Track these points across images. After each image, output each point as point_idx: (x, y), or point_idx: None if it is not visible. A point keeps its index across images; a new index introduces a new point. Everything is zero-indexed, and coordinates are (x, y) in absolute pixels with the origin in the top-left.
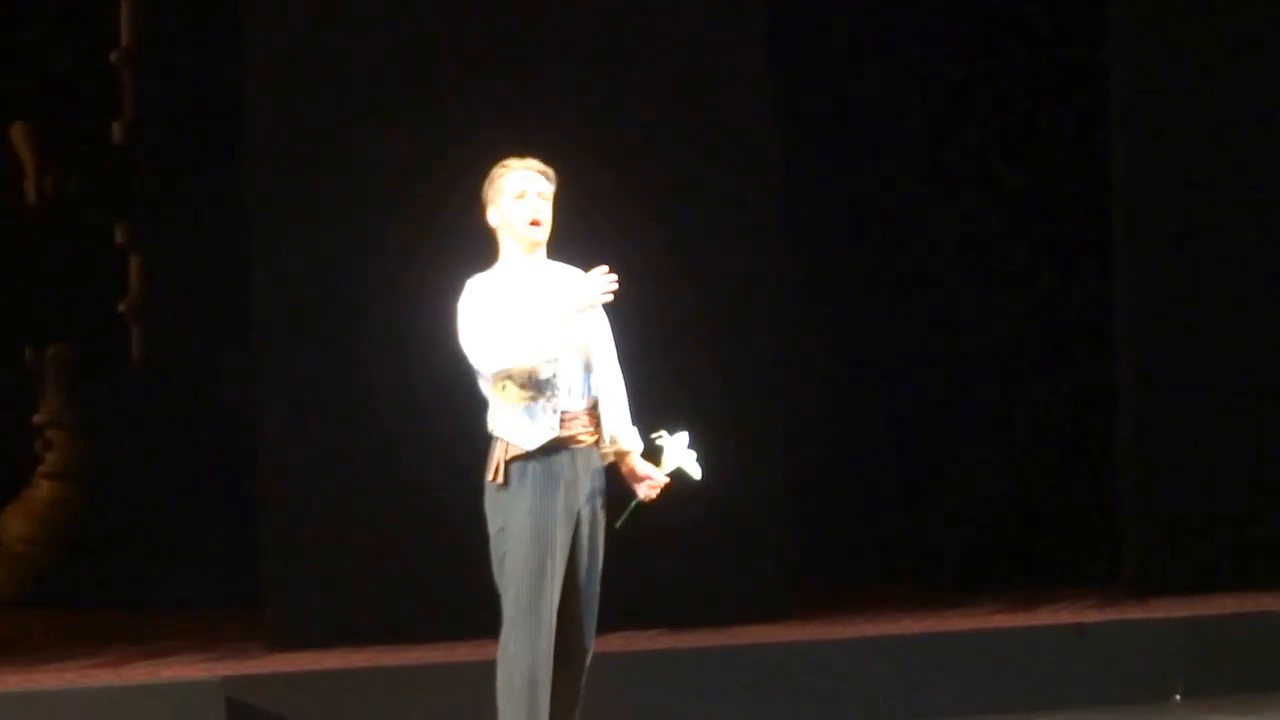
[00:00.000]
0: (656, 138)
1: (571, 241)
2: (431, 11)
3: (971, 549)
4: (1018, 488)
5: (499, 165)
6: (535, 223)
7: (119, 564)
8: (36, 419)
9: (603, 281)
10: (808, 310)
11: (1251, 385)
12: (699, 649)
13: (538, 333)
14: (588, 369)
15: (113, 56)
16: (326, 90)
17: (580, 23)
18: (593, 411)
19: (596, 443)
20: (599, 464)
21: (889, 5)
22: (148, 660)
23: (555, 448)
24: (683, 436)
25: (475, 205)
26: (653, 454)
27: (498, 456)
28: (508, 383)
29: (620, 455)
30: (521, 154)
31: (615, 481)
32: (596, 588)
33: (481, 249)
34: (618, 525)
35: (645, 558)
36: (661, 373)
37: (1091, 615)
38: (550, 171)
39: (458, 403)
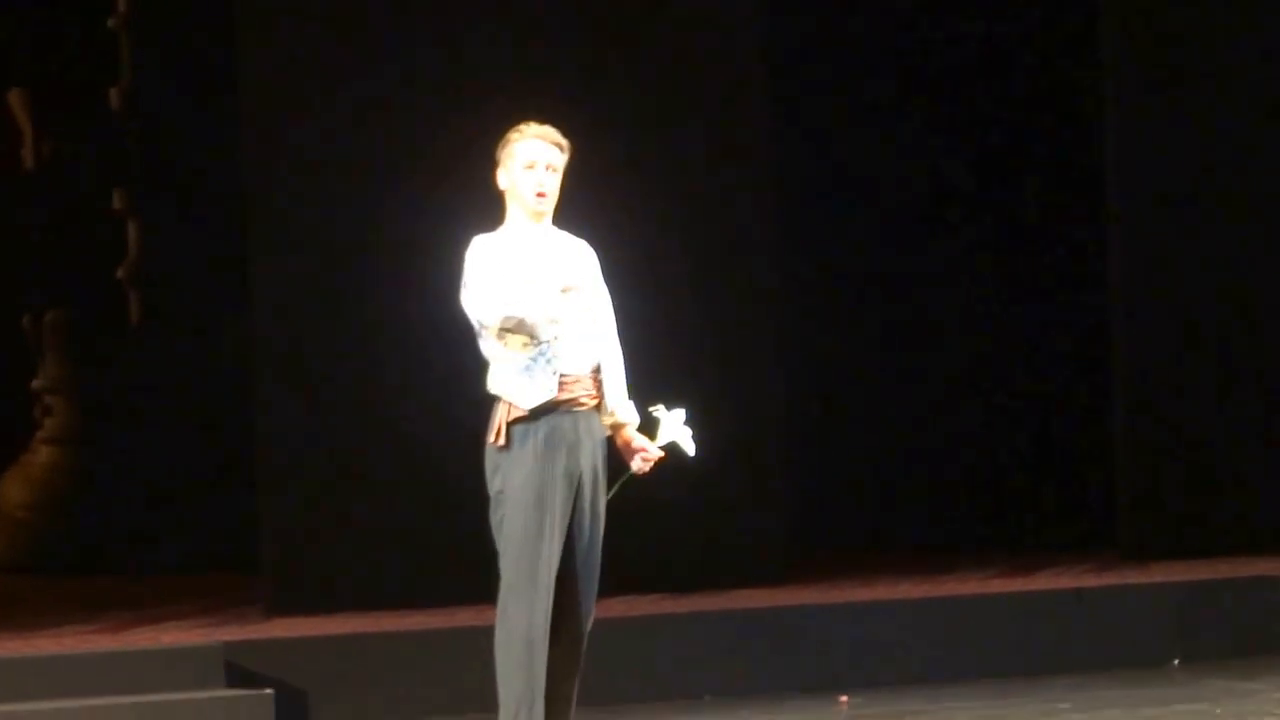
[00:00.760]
0: (653, 109)
1: (568, 213)
2: None
3: (969, 514)
4: (1015, 452)
5: (515, 129)
6: (541, 195)
7: (117, 529)
8: (35, 385)
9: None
10: (803, 278)
11: (1250, 349)
12: (698, 613)
13: (541, 290)
14: (590, 334)
15: (110, 22)
16: (324, 53)
17: None
18: (595, 376)
19: (598, 407)
20: (601, 429)
21: None
22: (147, 625)
23: (557, 410)
24: (679, 413)
25: (476, 170)
26: (648, 427)
27: (499, 418)
28: (509, 340)
29: (616, 427)
30: (538, 119)
31: (609, 453)
32: (598, 552)
33: (484, 211)
34: (608, 496)
35: (644, 523)
36: (658, 339)
37: (1089, 580)
38: (564, 142)
39: (457, 365)
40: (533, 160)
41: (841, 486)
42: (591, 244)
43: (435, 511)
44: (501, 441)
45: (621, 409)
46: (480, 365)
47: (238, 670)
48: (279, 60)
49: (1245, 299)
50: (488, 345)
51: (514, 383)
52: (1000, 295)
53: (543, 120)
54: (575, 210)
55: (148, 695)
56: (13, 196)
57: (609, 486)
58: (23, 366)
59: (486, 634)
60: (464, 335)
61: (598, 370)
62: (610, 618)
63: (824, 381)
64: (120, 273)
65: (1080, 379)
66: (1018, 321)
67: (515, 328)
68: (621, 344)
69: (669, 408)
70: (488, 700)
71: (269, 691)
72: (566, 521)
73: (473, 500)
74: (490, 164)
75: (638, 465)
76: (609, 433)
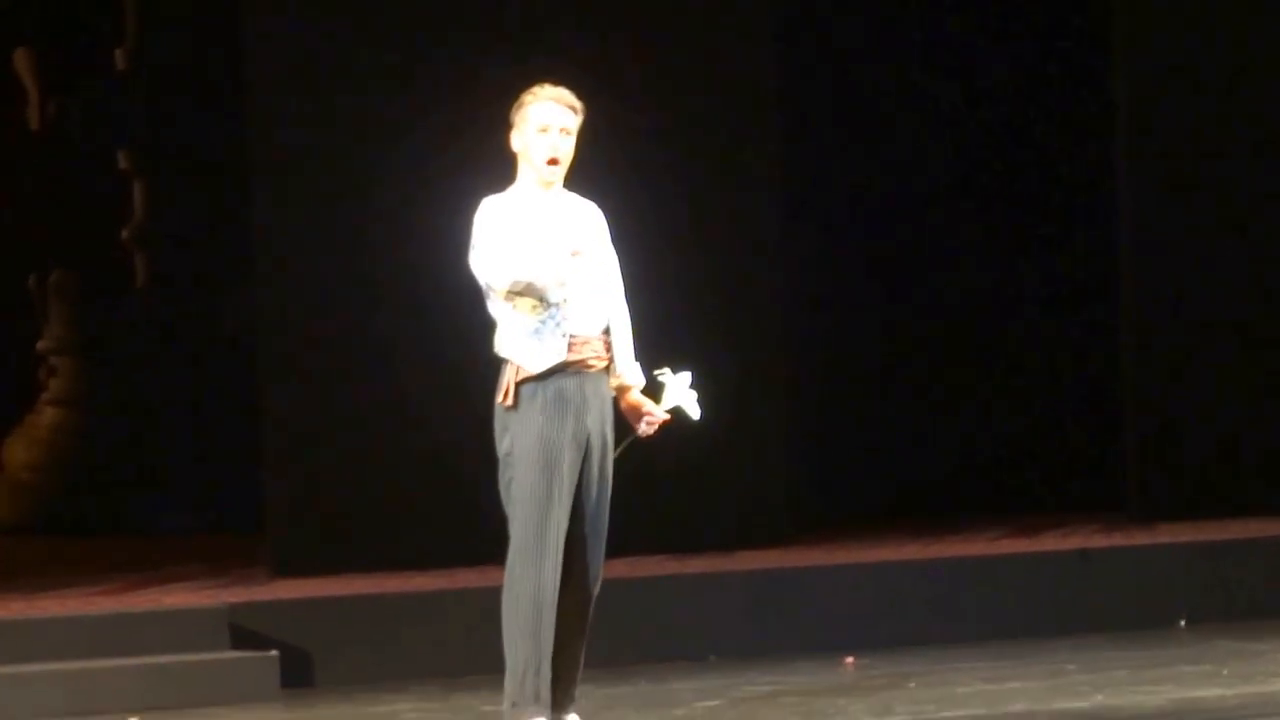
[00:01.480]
0: (663, 75)
1: (578, 177)
2: None
3: (975, 475)
4: (1022, 413)
5: (529, 91)
6: (553, 161)
7: (122, 490)
8: (40, 346)
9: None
10: (810, 242)
11: (1258, 311)
12: (703, 574)
13: (550, 253)
14: (599, 296)
15: None
16: (331, 13)
17: None
18: (604, 338)
19: (606, 369)
20: (609, 390)
21: None
22: (151, 587)
23: (566, 372)
24: (685, 376)
25: (481, 130)
26: (654, 390)
27: (508, 378)
28: (518, 301)
29: (622, 389)
30: (549, 80)
31: (614, 415)
32: (605, 514)
33: (487, 172)
34: (613, 458)
35: (650, 485)
36: (664, 302)
37: (1096, 541)
38: (578, 104)
39: (463, 326)
40: (546, 123)
41: (847, 447)
42: (599, 205)
43: (440, 473)
44: (510, 402)
45: (628, 371)
46: (488, 326)
47: (242, 632)
48: (284, 21)
49: (1258, 253)
50: (496, 307)
51: (523, 345)
52: (1006, 255)
53: (553, 81)
54: (581, 171)
55: (152, 657)
56: (18, 157)
57: (615, 448)
58: (28, 328)
59: (491, 595)
60: (471, 297)
61: (606, 332)
62: (615, 579)
63: (829, 343)
64: (125, 233)
65: (1088, 339)
66: (1025, 281)
67: (525, 290)
68: (628, 306)
69: (674, 370)
70: (493, 662)
71: (274, 653)
72: (575, 484)
73: (477, 462)
74: (504, 125)
75: (643, 428)
76: (614, 394)
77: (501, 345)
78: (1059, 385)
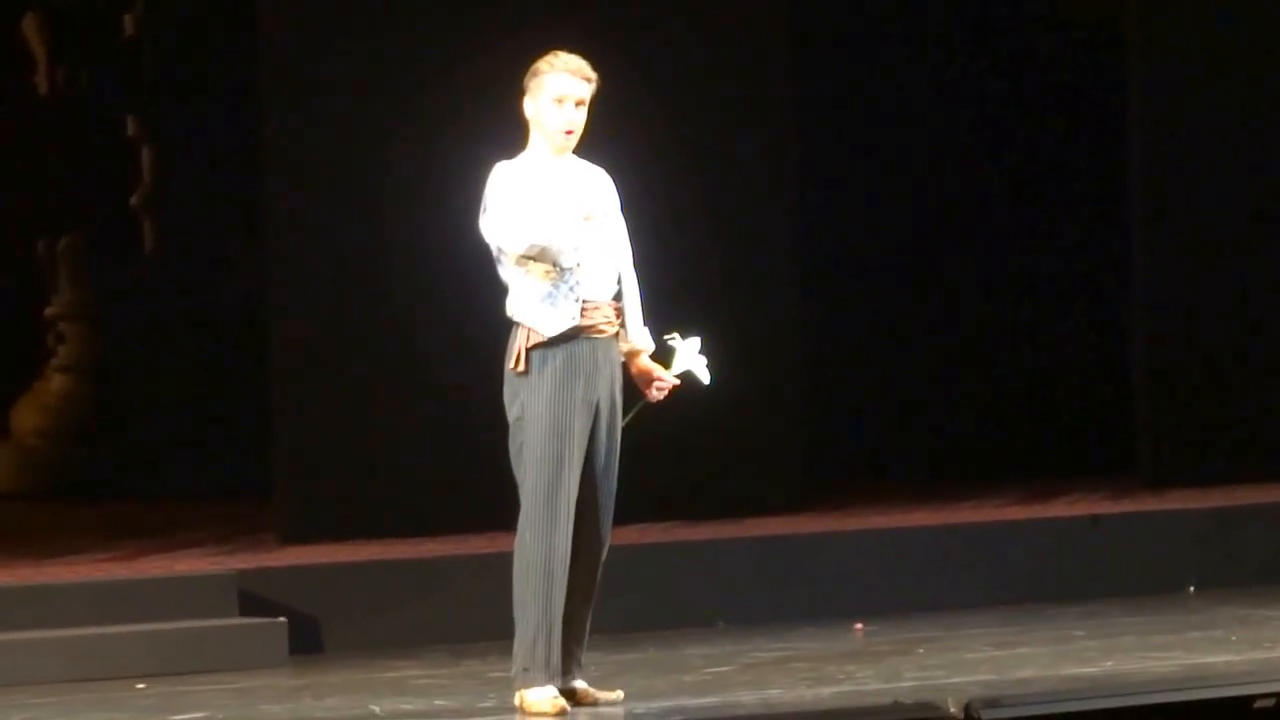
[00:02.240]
0: (675, 42)
1: (588, 142)
2: None
3: (985, 441)
4: (1031, 379)
5: (545, 60)
6: (569, 132)
7: (131, 456)
8: (48, 312)
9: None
10: (822, 206)
11: (1269, 275)
12: (712, 540)
13: (564, 219)
14: (610, 262)
15: None
16: None
17: None
18: (615, 303)
19: (617, 335)
20: (618, 356)
21: None
22: (160, 553)
23: (576, 337)
24: (694, 341)
25: (493, 98)
26: (664, 355)
27: (519, 344)
28: (531, 266)
29: (631, 354)
30: (562, 47)
31: (624, 381)
32: (614, 479)
33: (498, 138)
34: (623, 424)
35: (659, 451)
36: (674, 266)
37: (1106, 507)
38: (593, 75)
39: (474, 291)
40: (562, 95)
41: (857, 414)
42: (608, 171)
43: (449, 438)
44: (521, 368)
45: (638, 336)
46: (498, 291)
47: (251, 598)
48: None
49: (1268, 219)
50: (508, 272)
51: (536, 310)
52: (1018, 221)
53: (567, 48)
54: (592, 136)
55: (161, 623)
56: (27, 123)
57: (625, 414)
58: (36, 294)
59: (500, 561)
60: (481, 260)
61: (617, 298)
62: (624, 545)
63: (840, 309)
64: (134, 199)
65: (1100, 304)
66: (1036, 247)
67: (538, 255)
68: (638, 271)
69: (684, 336)
70: (502, 628)
71: (282, 620)
72: (585, 449)
73: (487, 427)
74: (517, 90)
75: (653, 393)
76: (623, 359)
77: (514, 310)
78: (1070, 351)
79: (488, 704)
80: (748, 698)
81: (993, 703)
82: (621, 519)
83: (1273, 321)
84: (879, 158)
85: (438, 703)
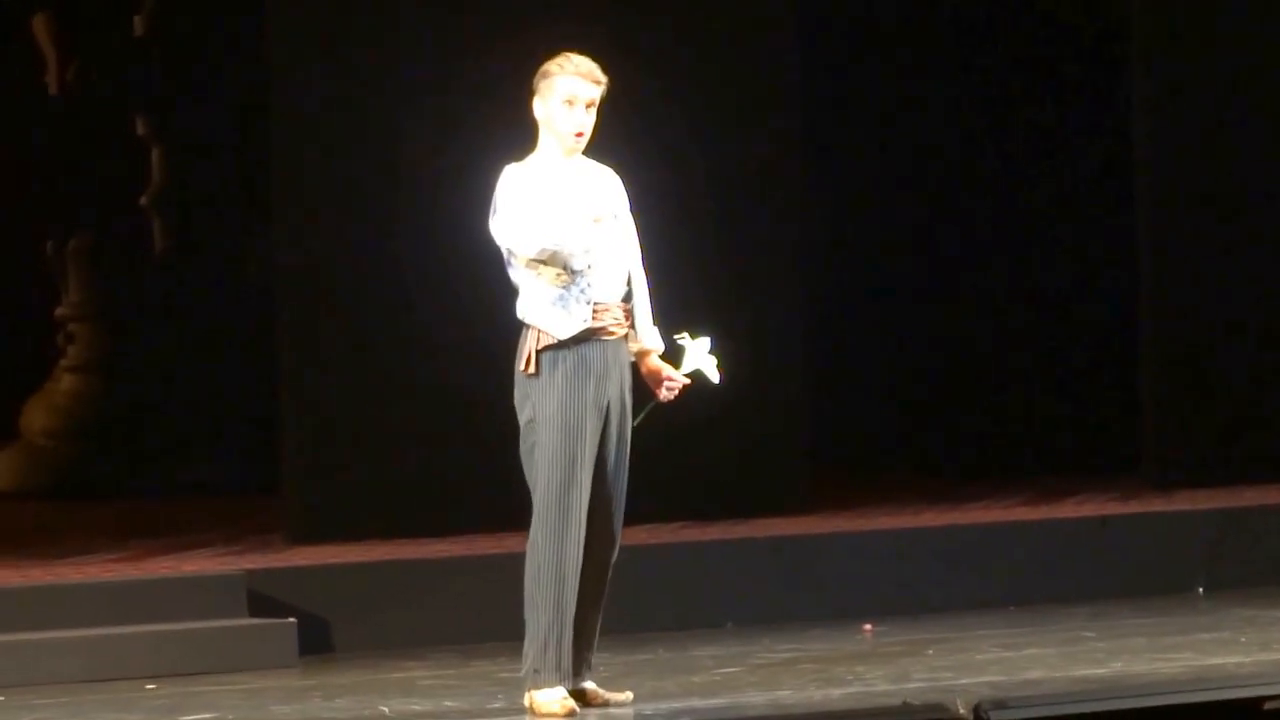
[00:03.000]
0: (683, 43)
1: (596, 141)
2: None
3: (993, 441)
4: (1040, 380)
5: (555, 62)
6: (579, 134)
7: (140, 457)
8: (58, 312)
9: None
10: (829, 203)
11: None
12: (721, 541)
13: (575, 222)
14: (620, 263)
15: None
16: None
17: None
18: (624, 305)
19: (626, 336)
20: (628, 357)
21: None
22: (170, 554)
23: (587, 339)
24: (704, 341)
25: (506, 98)
26: (673, 355)
27: (529, 346)
28: (542, 269)
29: (641, 354)
30: (570, 47)
31: (634, 381)
32: (624, 480)
33: (508, 138)
34: (634, 424)
35: (668, 451)
36: (683, 266)
37: (1114, 508)
38: (603, 78)
39: (483, 292)
40: (572, 97)
41: (866, 414)
42: (616, 171)
43: (458, 439)
44: (531, 370)
45: (647, 336)
46: (508, 292)
47: (260, 598)
48: None
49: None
50: (518, 274)
51: (548, 312)
52: (1027, 221)
53: (575, 49)
54: (600, 134)
55: (170, 624)
56: (36, 122)
57: (635, 414)
58: (46, 294)
59: (509, 562)
60: (492, 261)
61: (627, 299)
62: (633, 545)
63: (848, 309)
64: (143, 199)
65: (1107, 305)
66: (1044, 247)
67: (550, 259)
68: (647, 271)
69: (694, 335)
70: (512, 629)
71: (292, 620)
72: (596, 451)
73: (496, 427)
74: (526, 91)
75: (663, 393)
76: (633, 358)
77: (525, 312)
78: (1078, 352)
79: (497, 705)
80: (757, 699)
81: (1001, 704)
82: (631, 520)
83: None
84: (887, 161)
85: (447, 703)
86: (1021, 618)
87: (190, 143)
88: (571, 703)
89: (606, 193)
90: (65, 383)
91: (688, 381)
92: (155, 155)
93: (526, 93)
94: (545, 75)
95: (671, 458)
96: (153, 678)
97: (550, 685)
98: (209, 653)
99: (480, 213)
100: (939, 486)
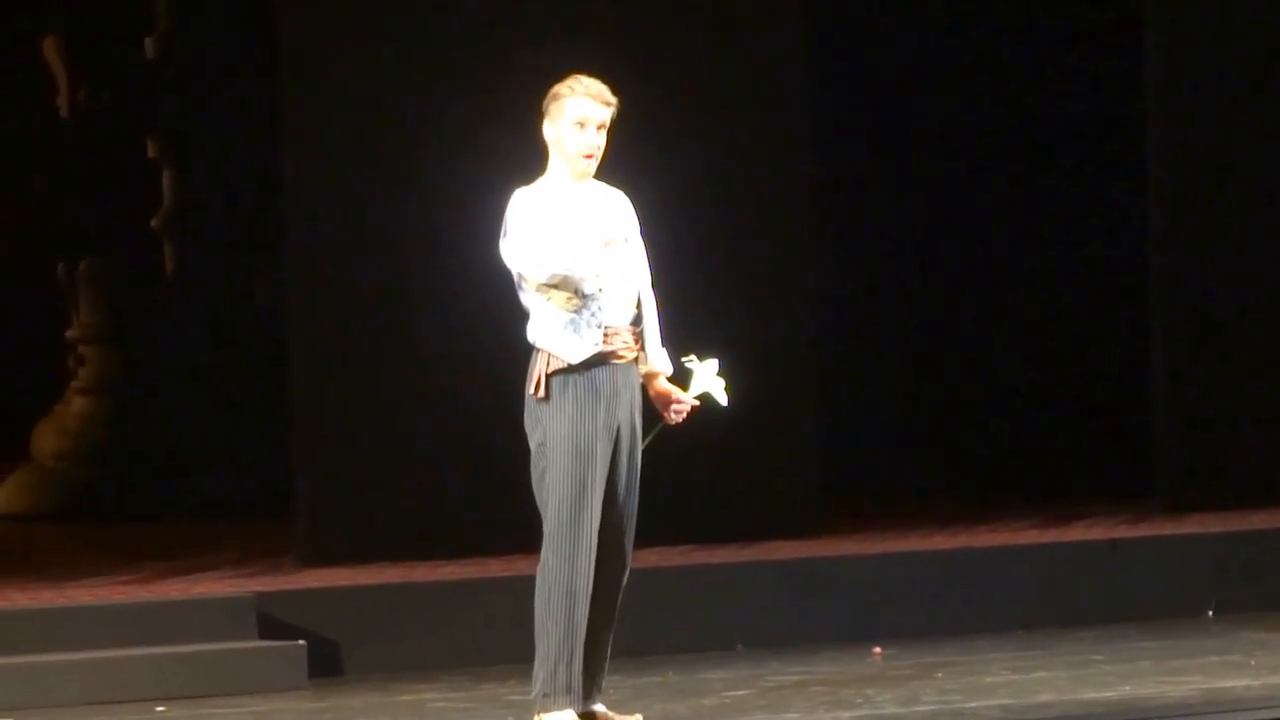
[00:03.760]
0: (691, 58)
1: (604, 161)
2: None
3: (1003, 464)
4: (1050, 402)
5: (566, 84)
6: (589, 156)
7: (150, 479)
8: (69, 334)
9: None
10: (837, 226)
11: None
12: (731, 563)
13: (586, 246)
14: (630, 287)
15: None
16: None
17: None
18: (634, 328)
19: (636, 360)
20: (638, 380)
21: None
22: (179, 576)
23: (597, 362)
24: (712, 363)
25: (514, 119)
26: (682, 378)
27: (539, 369)
28: (553, 294)
29: (650, 377)
30: (578, 68)
31: (643, 403)
32: (634, 503)
33: (522, 161)
34: (642, 446)
35: (677, 473)
36: (692, 289)
37: (1124, 531)
38: (614, 100)
39: (494, 315)
40: (583, 119)
41: (875, 437)
42: (625, 193)
43: (469, 462)
44: (542, 393)
45: (656, 359)
46: (518, 314)
47: (270, 621)
48: (316, 8)
49: None
50: (529, 298)
51: (559, 336)
52: (1034, 242)
53: (584, 70)
54: (609, 155)
55: (180, 646)
56: (47, 144)
57: (644, 436)
58: (57, 316)
59: (520, 584)
60: (502, 284)
61: (636, 322)
62: (643, 568)
63: (858, 332)
64: (154, 222)
65: (1118, 327)
66: (1053, 268)
67: (560, 284)
68: (656, 294)
69: (702, 358)
70: (521, 652)
71: (301, 643)
72: (606, 474)
73: (506, 451)
74: (536, 113)
75: (672, 416)
76: (641, 381)
77: (536, 336)
78: (1089, 375)
79: None
80: None
81: None
82: (640, 542)
83: None
84: (898, 181)
85: None
86: (1031, 640)
87: (202, 165)
88: None
89: (617, 216)
90: (76, 405)
91: (696, 404)
92: (166, 177)
93: (536, 116)
94: (555, 97)
95: (681, 480)
96: (163, 700)
97: (560, 708)
98: (219, 675)
99: (490, 236)
100: (949, 509)
